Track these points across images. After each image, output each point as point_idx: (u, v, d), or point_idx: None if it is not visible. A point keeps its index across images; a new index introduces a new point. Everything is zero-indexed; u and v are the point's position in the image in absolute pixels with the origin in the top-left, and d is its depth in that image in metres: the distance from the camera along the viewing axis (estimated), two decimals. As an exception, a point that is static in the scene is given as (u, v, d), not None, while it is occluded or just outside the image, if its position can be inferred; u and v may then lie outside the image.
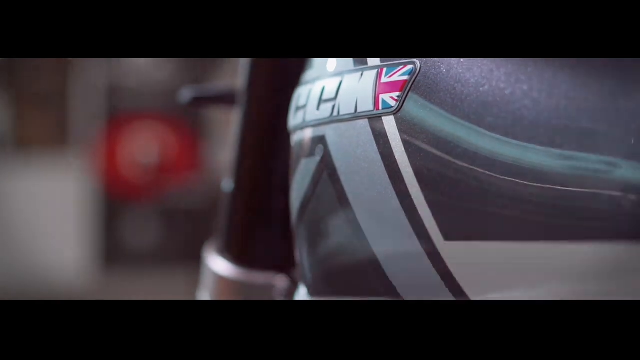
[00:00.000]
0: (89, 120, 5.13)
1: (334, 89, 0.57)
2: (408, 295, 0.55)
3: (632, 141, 0.46)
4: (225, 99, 0.82)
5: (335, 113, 0.57)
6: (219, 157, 4.78)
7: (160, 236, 5.06)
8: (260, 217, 0.76)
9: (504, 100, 0.49)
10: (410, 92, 0.52)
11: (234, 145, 0.77)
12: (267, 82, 0.75)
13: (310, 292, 0.63)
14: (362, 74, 0.55)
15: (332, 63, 0.59)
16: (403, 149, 0.53)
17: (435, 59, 0.52)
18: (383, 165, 0.53)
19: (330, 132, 0.57)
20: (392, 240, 0.54)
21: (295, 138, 0.63)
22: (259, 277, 0.76)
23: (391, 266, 0.55)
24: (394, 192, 0.53)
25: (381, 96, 0.54)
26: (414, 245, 0.53)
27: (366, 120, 0.54)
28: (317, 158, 0.58)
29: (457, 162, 0.50)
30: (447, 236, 0.51)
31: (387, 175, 0.53)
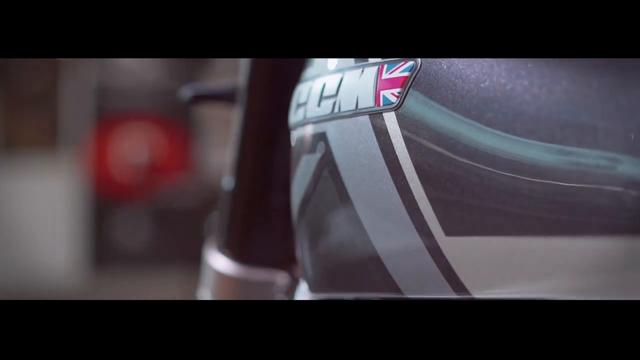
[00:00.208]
0: (80, 121, 5.11)
1: (335, 86, 0.57)
2: (409, 291, 0.55)
3: (632, 137, 0.47)
4: (226, 97, 0.83)
5: (336, 110, 0.57)
6: (210, 157, 4.78)
7: (151, 236, 5.05)
8: (260, 214, 0.76)
9: (505, 96, 0.49)
10: (411, 89, 0.53)
11: (234, 143, 0.77)
12: (267, 80, 0.75)
13: (311, 288, 0.63)
14: (362, 71, 0.56)
15: (332, 60, 0.59)
16: (404, 145, 0.53)
17: None
18: (384, 161, 0.54)
19: (331, 129, 0.57)
20: (393, 236, 0.54)
21: (295, 135, 0.63)
22: (260, 274, 0.76)
23: (392, 262, 0.55)
24: (394, 188, 0.53)
25: (382, 92, 0.54)
26: (415, 240, 0.53)
27: (367, 116, 0.55)
28: (318, 155, 0.58)
29: (457, 158, 0.50)
30: (448, 231, 0.52)
31: (388, 171, 0.54)
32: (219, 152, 4.64)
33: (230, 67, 4.19)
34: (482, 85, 0.50)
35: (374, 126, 0.54)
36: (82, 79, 5.07)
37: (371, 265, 0.56)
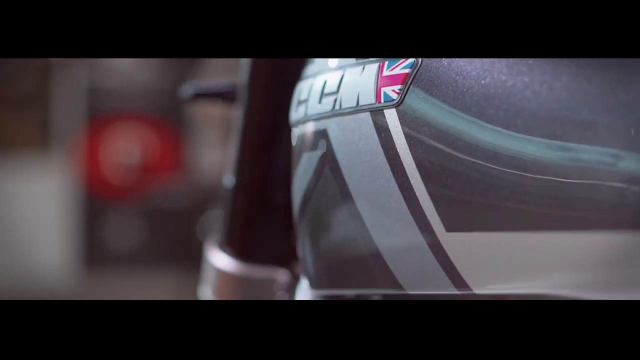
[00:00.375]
0: (71, 121, 5.10)
1: (336, 83, 0.57)
2: (410, 287, 0.55)
3: (632, 132, 0.46)
4: (226, 95, 0.83)
5: (337, 106, 0.57)
6: (202, 157, 4.77)
7: (143, 237, 5.04)
8: (261, 212, 0.77)
9: (505, 92, 0.49)
10: (411, 85, 0.53)
11: (235, 141, 0.77)
12: (268, 78, 0.75)
13: (312, 285, 0.63)
14: (363, 68, 0.56)
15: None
16: (405, 141, 0.53)
17: None
18: (385, 158, 0.54)
19: (332, 126, 0.57)
20: (394, 232, 0.54)
21: (296, 132, 0.63)
22: (261, 272, 0.76)
23: (393, 258, 0.55)
24: (395, 185, 0.53)
25: (383, 89, 0.54)
26: (416, 237, 0.53)
27: (368, 113, 0.55)
28: (319, 152, 0.58)
29: (458, 154, 0.51)
30: (449, 227, 0.52)
31: (388, 168, 0.54)
32: (211, 152, 4.63)
33: (223, 67, 4.18)
34: (482, 82, 0.50)
35: (375, 123, 0.54)
36: (74, 79, 5.06)
37: (372, 262, 0.56)
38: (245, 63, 0.76)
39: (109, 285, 4.79)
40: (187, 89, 0.86)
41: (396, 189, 0.53)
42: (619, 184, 0.47)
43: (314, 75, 0.61)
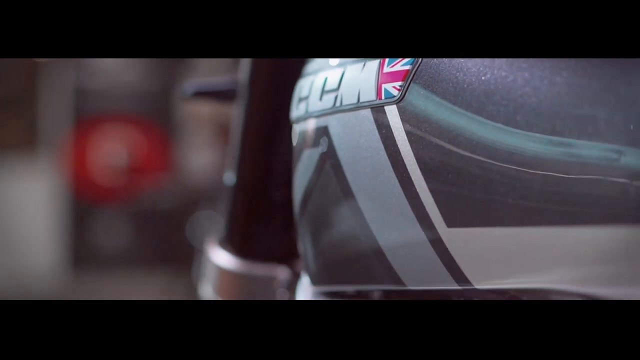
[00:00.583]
0: (58, 122, 5.08)
1: (337, 80, 0.58)
2: (411, 282, 0.56)
3: (632, 127, 0.47)
4: (226, 93, 0.83)
5: (338, 103, 0.57)
6: (190, 158, 4.76)
7: (131, 238, 5.03)
8: (261, 209, 0.77)
9: (506, 88, 0.50)
10: (412, 82, 0.53)
11: (235, 139, 0.77)
12: (268, 76, 0.75)
13: (313, 281, 0.63)
14: (364, 65, 0.56)
15: None
16: (405, 137, 0.53)
17: None
18: (386, 154, 0.54)
19: (333, 123, 0.58)
20: (395, 228, 0.55)
21: (297, 129, 0.63)
22: (261, 269, 0.76)
23: (394, 254, 0.55)
24: (396, 181, 0.54)
25: (383, 86, 0.54)
26: (417, 232, 0.53)
27: (369, 110, 0.55)
28: (320, 148, 0.59)
29: (459, 150, 0.51)
30: (450, 223, 0.52)
31: (389, 164, 0.54)
32: (199, 153, 4.62)
33: (211, 67, 4.18)
34: (483, 77, 0.51)
35: (376, 119, 0.54)
36: (61, 80, 5.04)
37: (373, 258, 0.56)
38: (245, 61, 0.76)
39: (97, 287, 4.77)
40: (187, 88, 0.86)
41: (397, 185, 0.54)
42: (620, 180, 0.47)
43: (315, 72, 0.61)
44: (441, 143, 0.51)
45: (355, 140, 0.56)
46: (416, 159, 0.53)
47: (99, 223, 5.03)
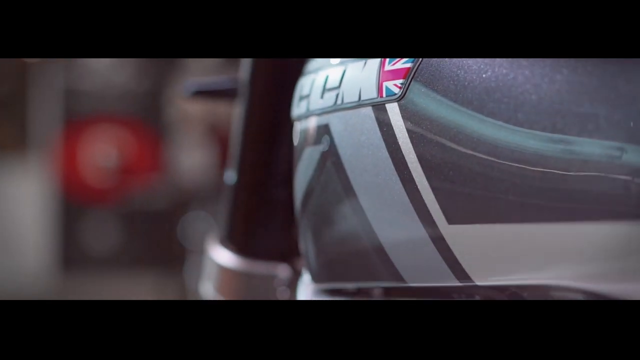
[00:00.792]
0: (48, 123, 5.07)
1: (338, 78, 0.58)
2: (412, 279, 0.56)
3: (632, 124, 0.47)
4: (227, 92, 0.83)
5: (339, 101, 0.57)
6: (181, 159, 4.75)
7: (121, 239, 5.02)
8: (262, 207, 0.77)
9: (506, 85, 0.50)
10: (413, 80, 0.53)
11: (236, 138, 0.78)
12: (269, 75, 0.75)
13: (314, 279, 0.63)
14: (365, 63, 0.56)
15: None
16: (406, 135, 0.53)
17: None
18: (387, 152, 0.54)
19: (334, 121, 0.58)
20: (396, 225, 0.55)
21: (298, 127, 0.63)
22: (262, 267, 0.76)
23: (396, 251, 0.55)
24: (397, 178, 0.54)
25: (385, 84, 0.54)
26: (418, 229, 0.53)
27: (370, 107, 0.55)
28: (321, 146, 0.59)
29: (460, 148, 0.51)
30: (451, 220, 0.52)
31: (391, 162, 0.54)
32: (190, 154, 4.62)
33: (202, 68, 4.17)
34: (484, 75, 0.51)
35: (377, 117, 0.55)
36: (51, 81, 5.02)
37: (374, 255, 0.56)
38: (246, 60, 0.76)
39: (87, 288, 4.76)
40: (188, 87, 0.86)
41: (398, 182, 0.54)
42: (621, 177, 0.47)
43: (316, 70, 0.61)
44: (442, 140, 0.52)
45: (357, 138, 0.56)
46: (417, 156, 0.53)
47: (90, 224, 5.02)
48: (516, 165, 0.49)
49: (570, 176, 0.48)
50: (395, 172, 0.54)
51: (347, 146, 0.57)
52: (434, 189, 0.52)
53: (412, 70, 0.53)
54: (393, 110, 0.54)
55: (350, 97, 0.56)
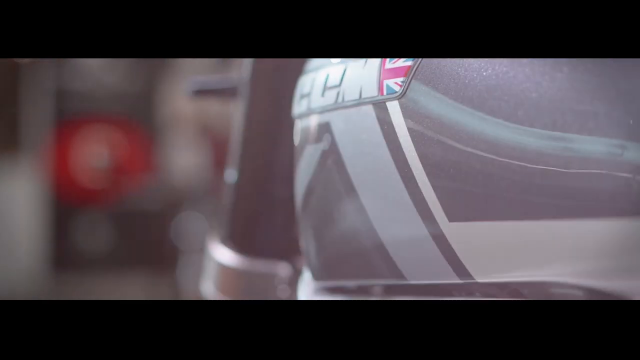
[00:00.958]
0: (40, 123, 5.06)
1: (339, 76, 0.58)
2: (413, 277, 0.56)
3: (631, 122, 0.47)
4: (228, 91, 0.83)
5: (339, 99, 0.57)
6: (173, 159, 4.75)
7: (113, 240, 5.01)
8: (263, 206, 0.77)
9: (507, 83, 0.50)
10: (414, 78, 0.53)
11: (237, 136, 0.78)
12: (269, 74, 0.75)
13: (315, 277, 0.63)
14: (366, 61, 0.56)
15: None
16: (407, 133, 0.53)
17: None
18: (387, 150, 0.54)
19: (335, 119, 0.58)
20: (397, 223, 0.55)
21: (299, 126, 0.63)
22: (263, 266, 0.76)
23: (396, 249, 0.56)
24: (398, 176, 0.54)
25: (385, 82, 0.55)
26: (419, 227, 0.53)
27: (370, 105, 0.55)
28: (322, 145, 0.59)
29: (460, 146, 0.51)
30: (451, 217, 0.52)
31: (391, 160, 0.54)
32: (182, 154, 4.61)
33: (194, 69, 4.17)
34: (484, 73, 0.51)
35: (378, 115, 0.55)
36: (42, 81, 5.01)
37: (375, 252, 0.56)
38: (247, 59, 0.76)
39: (79, 289, 4.75)
40: (189, 86, 0.86)
41: (399, 180, 0.54)
42: (621, 174, 0.47)
43: (317, 69, 0.61)
44: (443, 138, 0.52)
45: (357, 136, 0.56)
46: (418, 154, 0.53)
47: (82, 225, 5.01)
48: (516, 162, 0.49)
49: (570, 174, 0.48)
50: (396, 170, 0.54)
51: (347, 144, 0.57)
52: (434, 187, 0.52)
53: (412, 69, 0.53)
54: (394, 108, 0.54)
55: (351, 95, 0.57)
